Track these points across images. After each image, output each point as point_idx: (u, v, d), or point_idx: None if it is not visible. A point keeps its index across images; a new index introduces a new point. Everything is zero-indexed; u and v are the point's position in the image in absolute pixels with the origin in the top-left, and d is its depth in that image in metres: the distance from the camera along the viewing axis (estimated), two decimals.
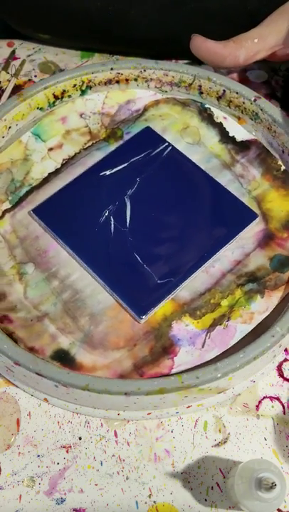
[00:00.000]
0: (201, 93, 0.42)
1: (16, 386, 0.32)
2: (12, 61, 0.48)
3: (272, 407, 0.32)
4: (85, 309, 0.34)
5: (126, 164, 0.39)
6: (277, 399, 0.33)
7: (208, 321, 0.33)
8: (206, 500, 0.30)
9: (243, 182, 0.38)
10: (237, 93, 0.40)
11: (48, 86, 0.40)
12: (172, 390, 0.29)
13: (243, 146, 0.40)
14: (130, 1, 0.42)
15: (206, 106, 0.42)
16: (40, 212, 0.37)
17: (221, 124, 0.41)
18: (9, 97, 0.45)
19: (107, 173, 0.38)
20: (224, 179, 0.38)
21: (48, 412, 0.32)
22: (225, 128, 0.41)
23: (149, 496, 0.30)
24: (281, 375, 0.33)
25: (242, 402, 0.32)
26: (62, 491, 0.30)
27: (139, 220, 0.36)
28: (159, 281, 0.34)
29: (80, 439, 0.31)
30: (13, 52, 0.49)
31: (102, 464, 0.31)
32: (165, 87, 0.43)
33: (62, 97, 0.42)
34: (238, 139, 0.40)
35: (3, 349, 0.30)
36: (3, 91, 0.46)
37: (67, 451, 0.31)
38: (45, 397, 0.32)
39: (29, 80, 0.47)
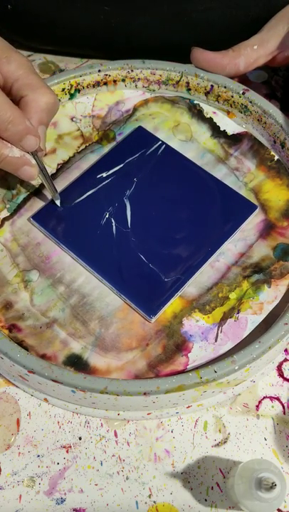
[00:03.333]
0: (189, 90, 0.42)
1: (16, 386, 0.32)
2: None
3: (272, 407, 0.32)
4: (94, 313, 0.33)
5: (122, 165, 0.39)
6: (277, 399, 0.33)
7: (218, 315, 0.33)
8: (206, 500, 0.30)
9: (239, 175, 0.39)
10: (225, 87, 0.40)
11: None
12: (191, 386, 0.29)
13: (235, 139, 0.40)
14: (132, 13, 0.42)
15: (195, 102, 0.42)
16: (39, 218, 0.36)
17: (211, 119, 0.41)
18: None
19: (104, 175, 0.38)
20: (220, 173, 0.39)
21: (48, 412, 0.32)
22: (215, 123, 0.41)
23: (149, 496, 0.30)
24: (281, 375, 0.33)
25: (242, 402, 0.32)
26: (62, 491, 0.30)
27: (140, 220, 0.36)
28: (166, 280, 0.34)
29: (80, 439, 0.31)
30: None
31: (102, 464, 0.31)
32: (153, 85, 0.43)
33: None
34: (230, 132, 0.40)
35: (16, 358, 0.29)
36: None
37: (67, 451, 0.31)
38: (45, 397, 0.31)
39: None
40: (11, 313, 0.33)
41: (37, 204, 0.38)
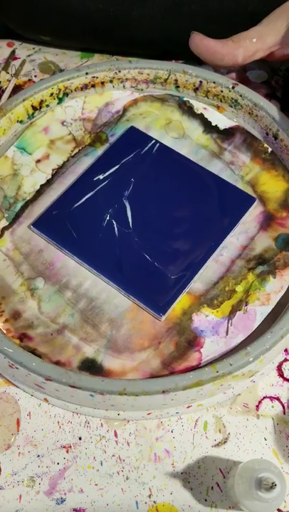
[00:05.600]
0: (177, 87, 0.42)
1: (16, 386, 0.32)
2: (12, 61, 0.48)
3: (272, 407, 0.33)
4: (103, 315, 0.33)
5: (117, 166, 0.39)
6: (277, 399, 0.33)
7: (227, 309, 0.33)
8: (206, 500, 0.30)
9: (235, 168, 0.39)
10: (214, 82, 0.40)
11: (26, 98, 0.40)
12: (208, 380, 0.29)
13: (228, 134, 0.40)
14: (131, 2, 0.42)
15: (185, 99, 0.42)
16: (39, 225, 0.36)
17: (202, 114, 0.41)
18: (9, 97, 0.44)
19: (100, 177, 0.38)
20: (216, 168, 0.39)
21: (48, 412, 0.32)
22: (206, 118, 0.41)
23: (149, 496, 0.30)
24: (281, 375, 0.34)
25: (242, 402, 0.33)
26: (62, 491, 0.30)
27: (141, 220, 0.36)
28: (172, 277, 0.34)
29: (80, 439, 0.31)
30: (13, 52, 0.48)
31: (102, 464, 0.31)
32: (141, 85, 0.43)
33: (40, 107, 0.41)
34: (221, 127, 0.41)
35: (31, 367, 0.29)
36: (3, 91, 0.45)
37: (67, 451, 0.31)
38: (45, 397, 0.31)
39: (29, 80, 0.46)
40: (20, 323, 0.33)
41: (35, 211, 0.37)
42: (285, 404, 0.33)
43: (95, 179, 0.38)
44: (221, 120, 0.41)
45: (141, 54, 0.42)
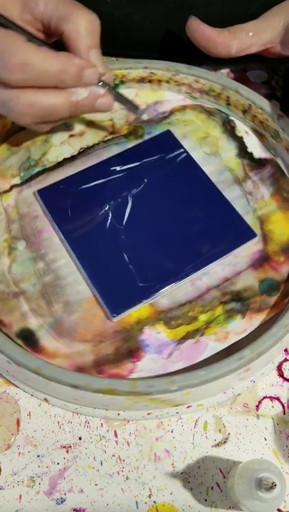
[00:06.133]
0: (228, 104, 0.41)
1: (16, 386, 0.32)
2: None
3: (272, 407, 0.32)
4: (62, 296, 0.33)
5: (138, 163, 0.38)
6: (277, 399, 0.32)
7: (181, 333, 0.32)
8: (206, 500, 0.29)
9: (251, 199, 0.37)
10: (262, 109, 0.39)
11: None
12: (122, 393, 0.28)
13: (259, 164, 0.39)
14: (135, 5, 0.42)
15: (231, 118, 0.41)
16: (44, 194, 0.37)
17: (241, 138, 0.40)
18: None
19: (118, 168, 0.38)
20: (232, 194, 0.37)
21: (48, 412, 0.32)
22: (244, 143, 0.40)
23: (149, 496, 0.29)
24: (281, 375, 0.33)
25: (242, 402, 0.32)
26: (62, 491, 0.30)
27: (136, 221, 0.36)
28: (140, 284, 0.33)
29: (80, 439, 0.31)
30: None
31: (102, 464, 0.30)
32: (195, 93, 0.42)
33: None
34: (256, 155, 0.39)
35: None
36: None
37: (67, 451, 0.31)
38: (45, 397, 0.31)
39: None
40: None
41: (48, 180, 0.38)
42: (285, 404, 0.32)
43: (111, 168, 0.38)
44: (258, 148, 0.39)
45: (142, 56, 0.42)
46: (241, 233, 0.35)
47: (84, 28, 0.32)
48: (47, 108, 0.31)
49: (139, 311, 0.33)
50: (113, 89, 0.34)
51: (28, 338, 0.32)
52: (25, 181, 0.38)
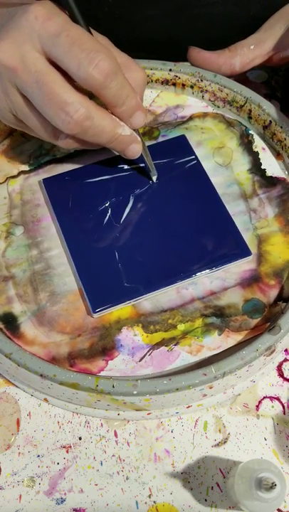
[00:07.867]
0: (250, 118, 0.40)
1: (16, 386, 0.33)
2: None
3: (272, 407, 0.32)
4: (49, 285, 0.34)
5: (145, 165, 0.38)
6: (277, 399, 0.32)
7: (156, 339, 0.32)
8: (206, 500, 0.30)
9: (253, 217, 0.37)
10: (281, 127, 0.38)
11: None
12: (85, 389, 0.28)
13: (270, 182, 0.38)
14: (136, 6, 0.42)
15: (250, 132, 0.40)
16: (47, 183, 0.38)
17: (256, 153, 0.39)
18: None
19: (125, 167, 0.38)
20: (236, 209, 0.37)
21: (48, 412, 0.32)
22: (259, 159, 0.39)
23: (149, 496, 0.30)
24: (281, 375, 0.33)
25: (242, 402, 0.32)
26: (62, 491, 0.30)
27: (133, 221, 0.36)
28: (126, 285, 0.33)
29: (80, 439, 0.31)
30: None
31: (102, 464, 0.31)
32: (218, 102, 0.42)
33: None
34: (268, 173, 0.38)
35: None
36: None
37: (67, 451, 0.31)
38: (45, 397, 0.32)
39: None
40: None
41: (56, 170, 0.39)
42: (285, 404, 0.32)
43: (119, 166, 0.38)
44: (272, 167, 0.39)
45: (144, 57, 0.41)
46: (236, 249, 0.34)
47: (141, 80, 0.34)
48: (98, 126, 0.31)
49: (121, 310, 0.33)
50: (143, 144, 0.35)
51: (10, 323, 0.32)
52: (34, 169, 0.39)
